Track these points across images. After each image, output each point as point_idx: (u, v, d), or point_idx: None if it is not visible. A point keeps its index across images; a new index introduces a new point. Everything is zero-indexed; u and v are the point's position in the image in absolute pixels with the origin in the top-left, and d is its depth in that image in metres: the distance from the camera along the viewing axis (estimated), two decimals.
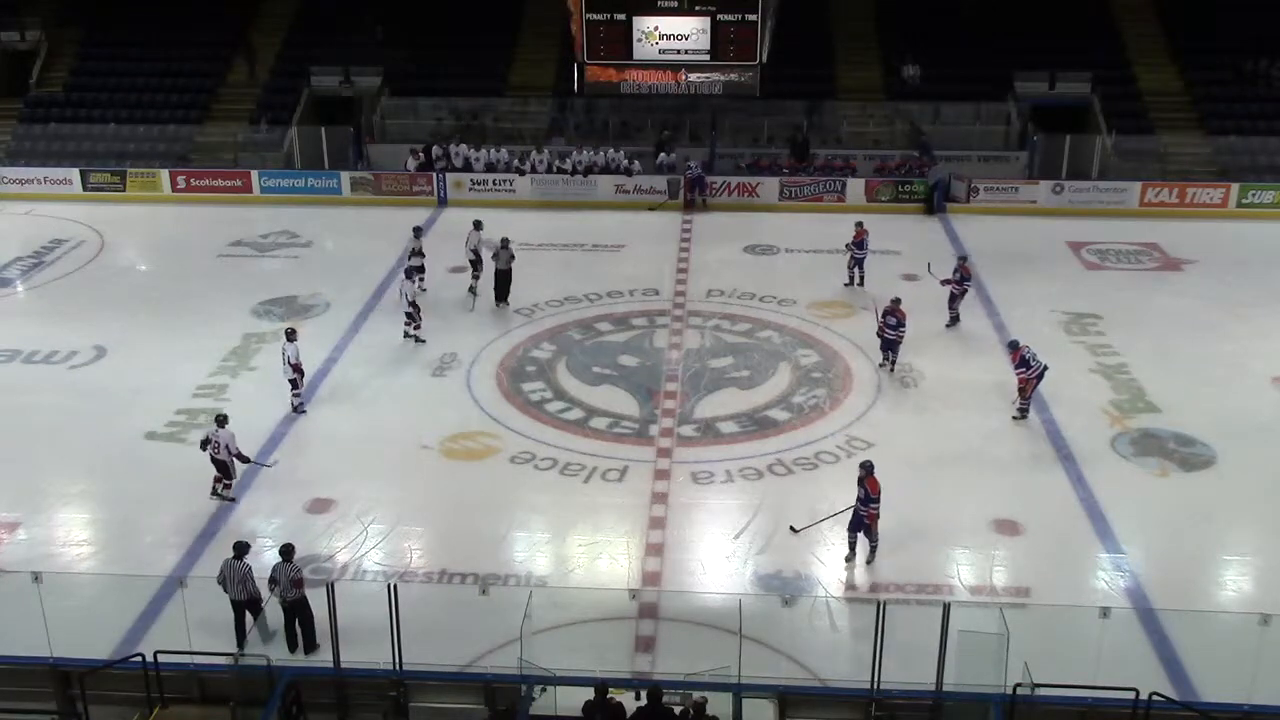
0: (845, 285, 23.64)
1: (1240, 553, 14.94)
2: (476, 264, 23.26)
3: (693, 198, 29.08)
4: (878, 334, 19.61)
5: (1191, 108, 31.50)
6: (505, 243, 22.57)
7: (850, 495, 15.90)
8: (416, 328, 20.70)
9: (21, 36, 34.29)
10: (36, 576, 11.35)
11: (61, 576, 13.36)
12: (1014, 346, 18.20)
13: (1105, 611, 11.49)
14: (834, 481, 16.28)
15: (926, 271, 22.15)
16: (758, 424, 17.97)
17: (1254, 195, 28.66)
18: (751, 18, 21.51)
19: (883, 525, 15.24)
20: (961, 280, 21.46)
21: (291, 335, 18.27)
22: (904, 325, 19.46)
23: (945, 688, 10.81)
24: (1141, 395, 18.83)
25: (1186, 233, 27.09)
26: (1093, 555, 14.62)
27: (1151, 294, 23.69)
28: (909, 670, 10.82)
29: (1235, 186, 28.71)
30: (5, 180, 30.25)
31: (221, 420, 15.72)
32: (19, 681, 11.49)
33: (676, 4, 21.58)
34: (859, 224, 23.80)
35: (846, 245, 23.74)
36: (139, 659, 10.99)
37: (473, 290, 23.22)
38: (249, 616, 12.70)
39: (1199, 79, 31.95)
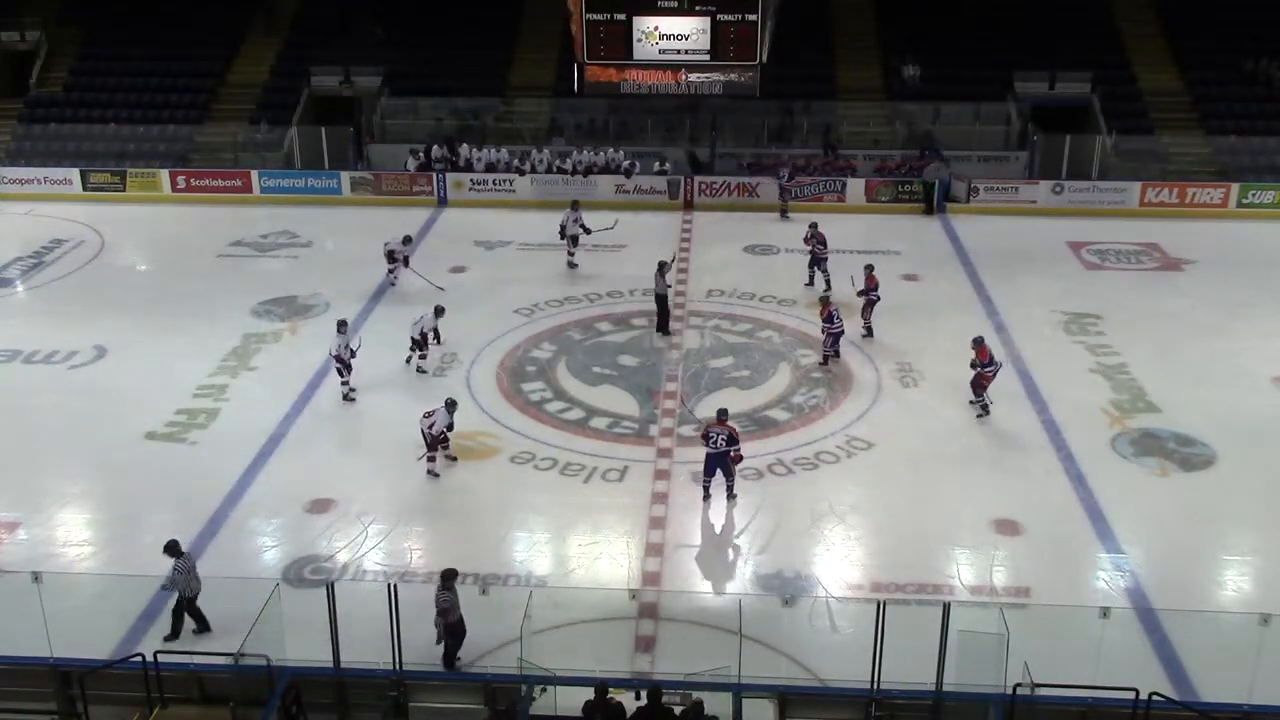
0: (805, 285, 23.57)
1: (1240, 553, 14.94)
2: (574, 239, 24.72)
3: (783, 203, 28.75)
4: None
5: (1191, 108, 31.50)
6: (663, 267, 21.37)
7: (850, 495, 15.98)
8: (422, 357, 19.77)
9: (21, 36, 34.28)
10: (36, 576, 11.37)
11: (61, 576, 13.36)
12: (980, 343, 17.96)
13: (1105, 611, 11.51)
14: (834, 481, 16.32)
15: (851, 285, 21.39)
16: (758, 424, 17.96)
17: (1254, 195, 28.65)
18: (751, 18, 21.50)
19: (881, 525, 15.33)
20: (867, 289, 20.84)
21: (341, 327, 18.65)
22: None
23: (945, 688, 10.81)
24: (1141, 395, 18.83)
25: (1186, 233, 27.08)
26: (1093, 555, 14.62)
27: (1151, 294, 23.68)
28: (909, 670, 10.82)
29: (1235, 186, 28.69)
30: (5, 180, 30.24)
31: (451, 405, 16.29)
32: (19, 681, 11.49)
33: (676, 4, 21.57)
34: (814, 224, 23.95)
35: (808, 246, 23.75)
36: (139, 659, 10.99)
37: (572, 265, 24.79)
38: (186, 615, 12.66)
39: (1199, 79, 31.96)
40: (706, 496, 15.70)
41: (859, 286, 20.92)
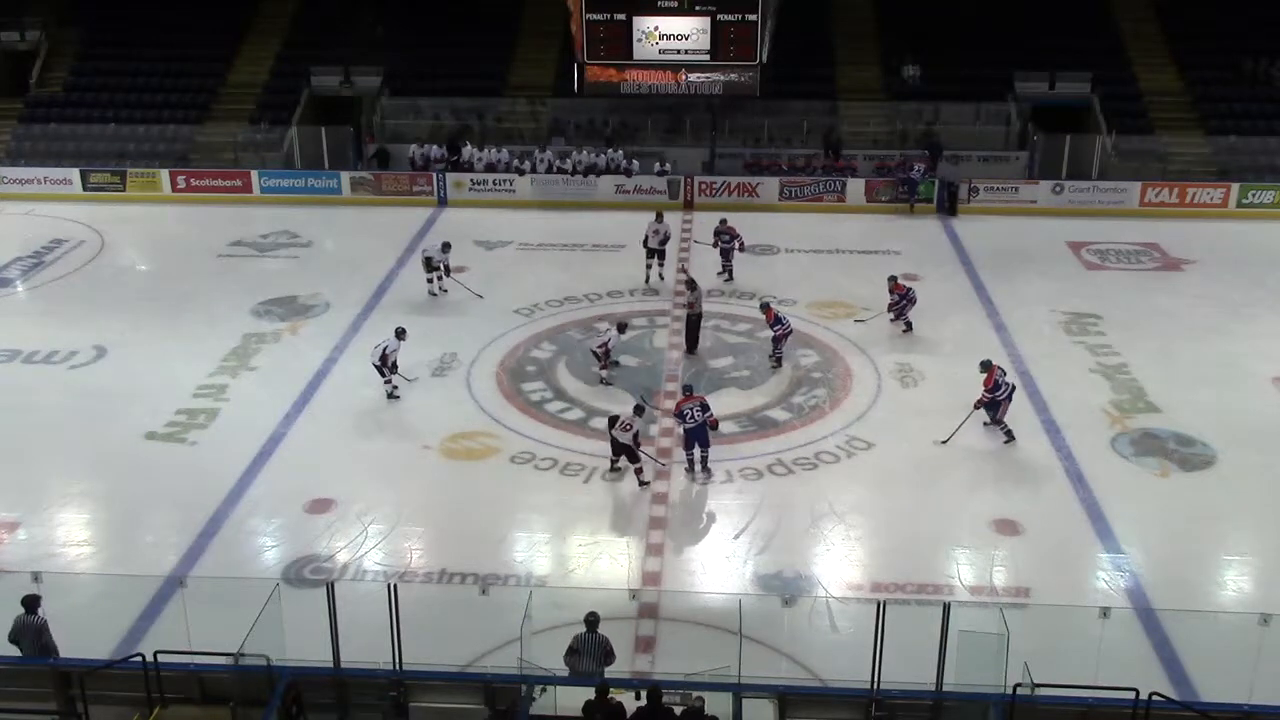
0: (719, 275, 23.86)
1: (1240, 553, 14.94)
2: (656, 253, 23.88)
3: (911, 201, 28.92)
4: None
5: (1191, 108, 31.50)
6: (692, 284, 20.92)
7: (850, 495, 16.00)
8: (603, 367, 19.33)
9: (21, 36, 34.27)
10: (36, 576, 11.36)
11: (61, 576, 13.36)
12: (987, 367, 17.40)
13: (1105, 611, 11.49)
14: (834, 482, 16.31)
15: (863, 321, 21.56)
16: (758, 424, 17.97)
17: (1254, 195, 28.66)
18: (751, 18, 21.58)
19: (881, 525, 15.35)
20: (902, 299, 21.02)
21: (401, 334, 18.61)
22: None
23: (945, 688, 10.79)
24: (1141, 395, 18.83)
25: (1186, 233, 27.09)
26: (1093, 555, 14.62)
27: (1151, 294, 23.68)
28: (909, 670, 10.80)
29: (1235, 186, 28.71)
30: (5, 180, 30.25)
31: (640, 410, 16.41)
32: (19, 681, 11.47)
33: (676, 4, 21.63)
34: (724, 219, 24.38)
35: (716, 234, 24.13)
36: (139, 659, 10.96)
37: (660, 276, 24.08)
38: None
39: (1199, 79, 31.95)
40: (691, 469, 16.39)
41: (893, 299, 21.05)
